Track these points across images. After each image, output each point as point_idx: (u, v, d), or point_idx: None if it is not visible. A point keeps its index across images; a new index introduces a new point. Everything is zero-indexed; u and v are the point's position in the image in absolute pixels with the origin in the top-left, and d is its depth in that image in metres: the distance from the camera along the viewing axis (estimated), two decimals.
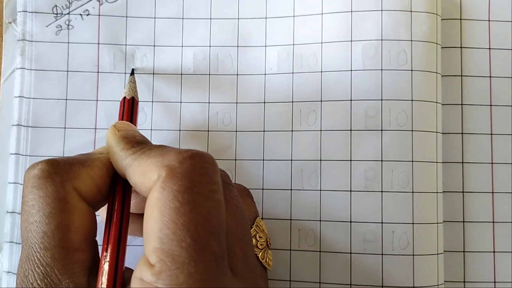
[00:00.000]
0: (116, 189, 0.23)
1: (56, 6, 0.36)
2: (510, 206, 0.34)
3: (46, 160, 0.22)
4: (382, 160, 0.33)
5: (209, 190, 0.20)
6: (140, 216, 0.25)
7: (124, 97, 0.30)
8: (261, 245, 0.29)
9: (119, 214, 0.22)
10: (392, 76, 0.33)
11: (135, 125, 0.27)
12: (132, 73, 0.31)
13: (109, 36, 0.36)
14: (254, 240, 0.28)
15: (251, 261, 0.23)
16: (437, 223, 0.33)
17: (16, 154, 0.34)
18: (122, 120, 0.27)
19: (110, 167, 0.23)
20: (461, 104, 0.35)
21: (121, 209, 0.22)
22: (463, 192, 0.35)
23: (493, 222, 0.34)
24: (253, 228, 0.29)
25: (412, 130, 0.33)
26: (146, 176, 0.20)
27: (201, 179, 0.20)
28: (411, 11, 0.34)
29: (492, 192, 0.35)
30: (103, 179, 0.23)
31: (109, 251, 0.21)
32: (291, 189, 0.34)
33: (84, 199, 0.22)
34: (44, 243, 0.20)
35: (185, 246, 0.18)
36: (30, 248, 0.20)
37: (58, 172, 0.21)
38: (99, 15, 0.36)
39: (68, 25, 0.36)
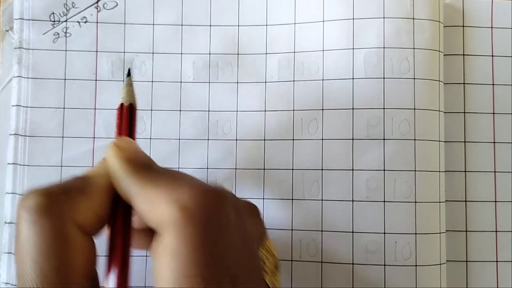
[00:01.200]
0: (117, 213, 0.21)
1: (53, 13, 0.35)
2: None
3: (41, 191, 0.19)
4: (384, 170, 0.33)
5: (226, 231, 0.19)
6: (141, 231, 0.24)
7: (122, 103, 0.26)
8: (269, 269, 0.27)
9: (121, 241, 0.21)
10: (394, 84, 0.33)
11: (134, 134, 0.26)
12: (129, 74, 0.27)
13: (107, 43, 0.35)
14: (262, 264, 0.27)
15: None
16: (440, 233, 0.33)
17: (13, 164, 0.34)
18: (120, 130, 0.25)
19: (110, 192, 0.21)
20: (464, 112, 0.35)
21: (123, 234, 0.21)
22: (465, 201, 0.34)
23: (496, 231, 0.34)
24: (261, 251, 0.27)
25: (414, 139, 0.33)
26: (154, 207, 0.19)
27: (221, 222, 0.19)
28: (413, 19, 0.33)
29: (495, 201, 0.34)
30: (103, 207, 0.21)
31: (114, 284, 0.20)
32: (292, 199, 0.34)
33: (84, 231, 0.20)
34: (43, 283, 0.18)
35: None
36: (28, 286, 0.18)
37: (54, 205, 0.19)
38: (97, 22, 0.35)
39: (66, 32, 0.35)
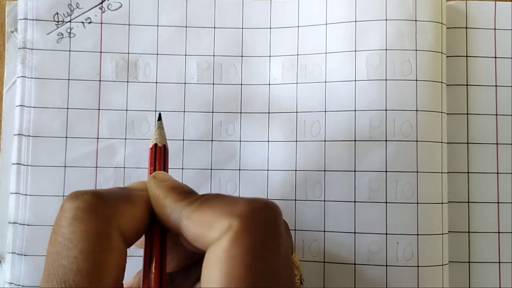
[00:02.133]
0: (154, 238, 0.22)
1: (57, 13, 0.35)
2: None
3: (91, 192, 0.20)
4: (386, 171, 0.33)
5: (278, 244, 0.19)
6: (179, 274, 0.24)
7: (155, 144, 0.27)
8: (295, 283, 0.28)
9: (158, 267, 0.21)
10: (396, 86, 0.33)
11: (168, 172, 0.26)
12: (160, 118, 0.28)
13: (111, 44, 0.35)
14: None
15: None
16: (442, 234, 0.33)
17: (17, 164, 0.34)
18: (155, 169, 0.25)
19: (150, 208, 0.22)
20: (467, 114, 0.35)
21: (160, 260, 0.21)
22: (468, 202, 0.34)
23: (499, 232, 0.34)
24: None
25: (416, 141, 0.33)
26: (212, 227, 0.19)
27: (274, 232, 0.19)
28: (416, 21, 0.33)
29: (498, 202, 0.34)
30: (143, 220, 0.21)
31: None
32: (295, 200, 0.34)
33: (124, 237, 0.20)
34: (76, 281, 0.18)
35: None
36: (59, 283, 0.18)
37: (104, 207, 0.20)
38: (101, 23, 0.35)
39: (70, 33, 0.35)
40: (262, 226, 0.19)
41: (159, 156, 0.26)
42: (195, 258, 0.24)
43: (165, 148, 0.27)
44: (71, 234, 0.19)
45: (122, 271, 0.20)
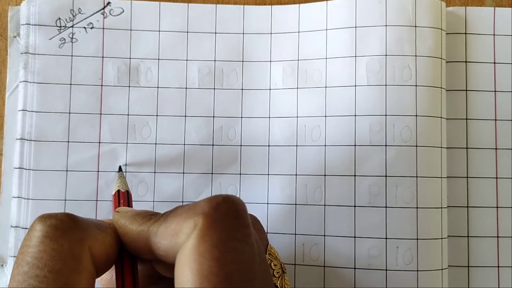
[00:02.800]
0: (125, 268, 0.22)
1: (59, 19, 0.35)
2: None
3: (65, 213, 0.20)
4: (386, 176, 0.33)
5: (245, 234, 0.19)
6: None
7: (118, 190, 0.29)
8: (277, 273, 0.28)
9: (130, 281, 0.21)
10: (396, 92, 0.33)
11: None
12: (120, 169, 0.32)
13: (113, 49, 0.36)
14: (270, 269, 0.28)
15: None
16: (442, 238, 0.33)
17: (19, 168, 0.34)
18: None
19: (119, 239, 0.22)
20: (466, 119, 0.35)
21: (132, 277, 0.22)
22: (467, 207, 0.35)
23: (498, 237, 0.34)
24: (266, 257, 0.28)
25: (416, 146, 0.33)
26: (178, 232, 0.19)
27: (238, 223, 0.19)
28: (415, 26, 0.34)
29: (497, 207, 0.35)
30: (113, 248, 0.21)
31: None
32: (295, 204, 0.34)
33: (94, 262, 0.20)
34: None
35: None
36: None
37: (77, 227, 0.20)
38: (103, 28, 0.36)
39: (72, 38, 0.35)
40: (225, 218, 0.19)
41: (123, 201, 0.28)
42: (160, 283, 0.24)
43: (128, 193, 0.28)
44: (41, 253, 0.18)
45: None
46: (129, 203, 0.27)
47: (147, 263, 0.24)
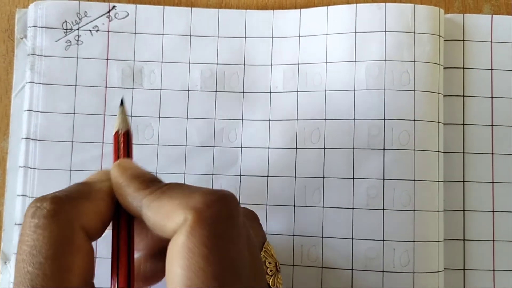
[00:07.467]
0: (121, 225, 0.22)
1: (66, 21, 0.36)
2: (510, 225, 0.35)
3: (50, 198, 0.20)
4: (384, 179, 0.34)
5: (236, 234, 0.20)
6: (152, 257, 0.25)
7: (117, 131, 0.26)
8: (271, 271, 0.28)
9: (125, 254, 0.21)
10: (395, 96, 0.34)
11: (132, 158, 0.26)
12: (122, 103, 0.27)
13: (117, 52, 0.36)
14: (264, 267, 0.28)
15: None
16: (438, 241, 0.33)
17: (24, 167, 0.35)
18: (118, 155, 0.25)
19: (113, 198, 0.22)
20: (463, 124, 0.36)
21: (127, 247, 0.22)
22: (464, 210, 0.35)
23: (494, 240, 0.35)
24: (262, 254, 0.29)
25: (414, 150, 0.33)
26: (169, 217, 0.20)
27: (229, 223, 0.20)
28: (414, 33, 0.34)
29: (493, 211, 0.35)
30: (108, 212, 0.22)
31: None
32: (294, 205, 0.35)
33: (88, 234, 0.21)
34: (44, 286, 0.19)
35: None
36: None
37: (64, 211, 0.20)
38: (108, 31, 0.36)
39: (78, 40, 0.36)
40: (216, 218, 0.19)
41: (124, 143, 0.26)
42: (163, 241, 0.25)
43: (128, 134, 0.26)
44: (35, 241, 0.19)
45: (90, 270, 0.21)
46: (129, 146, 0.26)
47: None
